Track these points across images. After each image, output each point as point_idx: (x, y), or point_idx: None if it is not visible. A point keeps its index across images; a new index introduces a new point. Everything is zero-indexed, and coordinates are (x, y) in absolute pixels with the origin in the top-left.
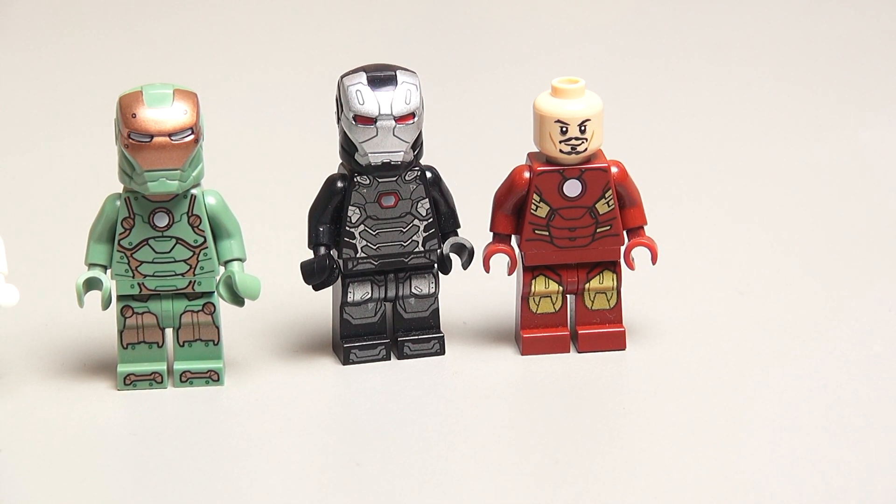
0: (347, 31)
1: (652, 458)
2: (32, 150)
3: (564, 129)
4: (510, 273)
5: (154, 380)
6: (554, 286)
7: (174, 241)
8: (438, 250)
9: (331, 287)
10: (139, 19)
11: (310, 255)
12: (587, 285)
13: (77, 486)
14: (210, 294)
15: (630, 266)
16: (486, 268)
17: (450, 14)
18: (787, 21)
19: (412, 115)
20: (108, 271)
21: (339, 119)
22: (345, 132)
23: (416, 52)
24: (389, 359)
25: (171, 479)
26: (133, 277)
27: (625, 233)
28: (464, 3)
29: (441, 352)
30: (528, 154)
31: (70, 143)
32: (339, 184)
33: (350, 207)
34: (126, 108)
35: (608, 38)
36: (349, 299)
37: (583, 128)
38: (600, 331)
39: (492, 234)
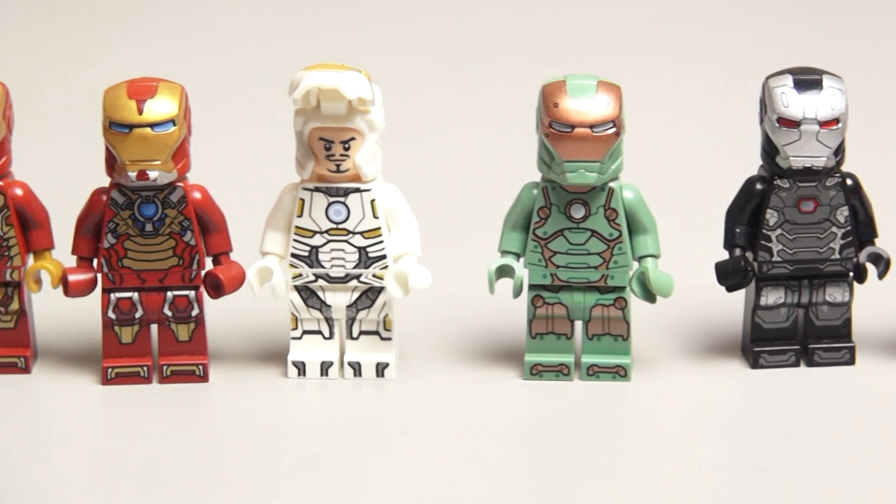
0: (774, 33)
1: None
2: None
3: None
4: None
5: (561, 371)
6: None
7: (589, 233)
8: (855, 259)
9: (744, 289)
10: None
11: (725, 255)
12: None
13: (471, 469)
14: (622, 289)
15: None
16: None
17: (875, 19)
18: None
19: (836, 120)
20: (520, 259)
21: (761, 120)
22: (767, 134)
23: (836, 56)
24: (798, 365)
25: (567, 468)
26: (546, 267)
27: None
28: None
29: (851, 361)
30: None
31: (487, 132)
32: (759, 186)
33: (768, 210)
34: (549, 97)
35: None
36: (762, 303)
37: None
38: None
39: None
